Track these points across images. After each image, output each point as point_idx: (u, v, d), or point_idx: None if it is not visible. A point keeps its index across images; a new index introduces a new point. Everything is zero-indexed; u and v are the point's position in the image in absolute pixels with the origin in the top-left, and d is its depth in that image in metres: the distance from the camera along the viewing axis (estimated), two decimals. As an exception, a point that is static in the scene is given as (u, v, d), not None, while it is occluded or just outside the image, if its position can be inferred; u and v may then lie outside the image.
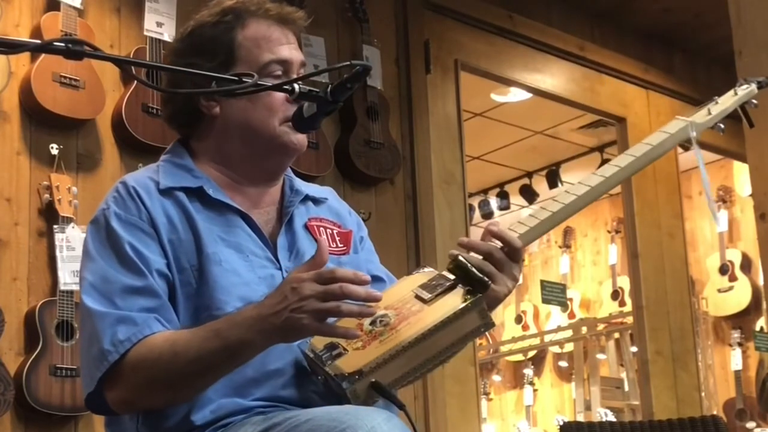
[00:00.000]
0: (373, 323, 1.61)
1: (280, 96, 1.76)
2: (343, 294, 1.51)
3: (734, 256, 7.54)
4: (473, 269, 1.64)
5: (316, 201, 1.91)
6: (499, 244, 1.69)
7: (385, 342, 1.57)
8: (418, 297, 1.65)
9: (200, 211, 1.75)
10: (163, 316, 1.66)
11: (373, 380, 1.53)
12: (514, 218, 9.53)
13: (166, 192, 1.76)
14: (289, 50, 1.80)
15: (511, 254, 1.69)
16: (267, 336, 1.56)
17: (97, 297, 1.66)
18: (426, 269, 1.74)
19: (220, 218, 1.76)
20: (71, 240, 3.13)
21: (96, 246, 1.71)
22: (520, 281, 1.82)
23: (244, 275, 1.70)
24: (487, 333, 5.32)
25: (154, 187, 1.76)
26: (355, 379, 1.53)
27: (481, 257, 1.68)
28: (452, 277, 1.66)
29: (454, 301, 1.61)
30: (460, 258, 1.66)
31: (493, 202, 8.10)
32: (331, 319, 1.56)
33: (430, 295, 1.64)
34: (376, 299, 1.55)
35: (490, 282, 1.64)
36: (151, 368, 1.60)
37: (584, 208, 1.80)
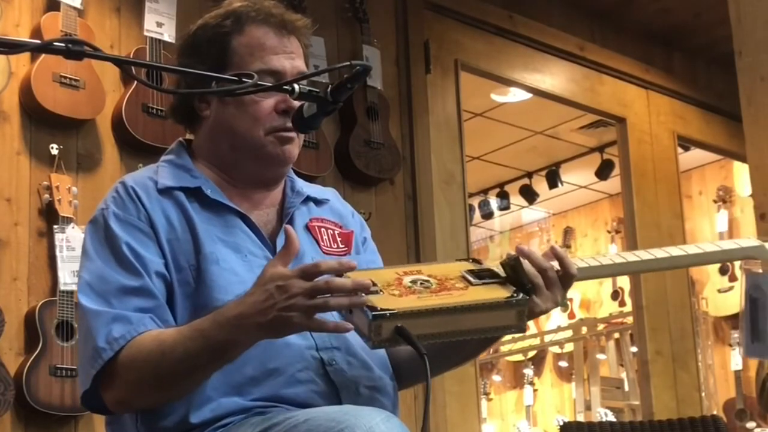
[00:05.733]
0: (413, 282, 1.64)
1: (266, 106, 1.76)
2: (329, 289, 1.51)
3: (734, 256, 7.52)
4: (524, 276, 1.68)
5: (318, 202, 1.91)
6: (557, 266, 1.72)
7: (422, 299, 1.60)
8: (464, 278, 1.68)
9: (199, 211, 1.76)
10: (158, 316, 1.66)
11: (400, 325, 1.54)
12: (514, 218, 9.47)
13: (165, 192, 1.76)
14: (283, 60, 1.79)
15: (564, 278, 1.73)
16: (253, 334, 1.56)
17: (93, 296, 1.66)
18: (475, 262, 1.76)
19: (218, 219, 1.76)
20: (71, 240, 3.13)
21: (94, 245, 1.72)
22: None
23: (241, 275, 1.70)
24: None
25: (152, 187, 1.76)
26: (385, 316, 1.53)
27: (535, 269, 1.70)
28: (503, 274, 1.70)
29: (501, 292, 1.65)
30: (519, 260, 1.69)
31: (493, 202, 8.10)
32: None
33: (477, 281, 1.67)
34: (365, 288, 1.54)
35: (532, 294, 1.68)
36: (140, 368, 1.60)
37: (642, 272, 1.91)
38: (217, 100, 1.80)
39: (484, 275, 1.68)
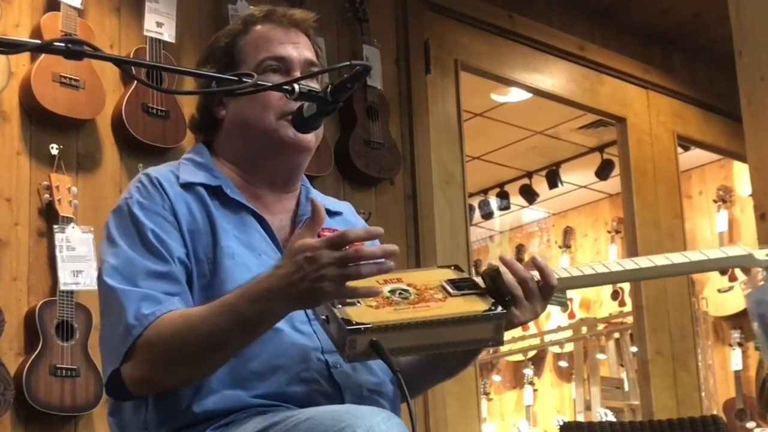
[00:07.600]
0: (392, 292, 1.63)
1: (276, 93, 1.77)
2: (359, 257, 1.52)
3: (734, 256, 7.52)
4: (504, 287, 1.68)
5: (331, 213, 1.93)
6: (537, 276, 1.72)
7: (399, 312, 1.60)
8: (443, 288, 1.67)
9: (218, 208, 1.79)
10: (184, 301, 1.67)
11: (375, 339, 1.54)
12: (514, 218, 9.47)
13: (187, 186, 1.79)
14: (289, 48, 1.84)
15: (543, 289, 1.73)
16: (284, 306, 1.58)
17: (120, 278, 1.68)
18: (457, 269, 1.75)
19: (235, 218, 1.79)
20: (71, 240, 3.13)
21: (119, 232, 1.73)
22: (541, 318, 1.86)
23: (255, 270, 1.71)
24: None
25: (175, 181, 1.80)
26: (360, 330, 1.54)
27: (515, 280, 1.70)
28: (483, 285, 1.69)
29: (478, 305, 1.64)
30: (498, 271, 1.69)
31: (493, 202, 8.10)
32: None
33: (456, 292, 1.67)
34: (394, 253, 1.55)
35: (512, 305, 1.68)
36: (167, 343, 1.61)
37: (623, 282, 1.86)
38: (232, 100, 1.84)
39: (463, 286, 1.68)
